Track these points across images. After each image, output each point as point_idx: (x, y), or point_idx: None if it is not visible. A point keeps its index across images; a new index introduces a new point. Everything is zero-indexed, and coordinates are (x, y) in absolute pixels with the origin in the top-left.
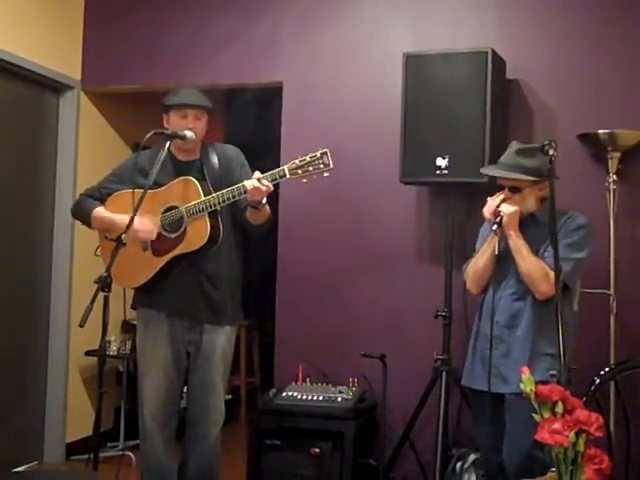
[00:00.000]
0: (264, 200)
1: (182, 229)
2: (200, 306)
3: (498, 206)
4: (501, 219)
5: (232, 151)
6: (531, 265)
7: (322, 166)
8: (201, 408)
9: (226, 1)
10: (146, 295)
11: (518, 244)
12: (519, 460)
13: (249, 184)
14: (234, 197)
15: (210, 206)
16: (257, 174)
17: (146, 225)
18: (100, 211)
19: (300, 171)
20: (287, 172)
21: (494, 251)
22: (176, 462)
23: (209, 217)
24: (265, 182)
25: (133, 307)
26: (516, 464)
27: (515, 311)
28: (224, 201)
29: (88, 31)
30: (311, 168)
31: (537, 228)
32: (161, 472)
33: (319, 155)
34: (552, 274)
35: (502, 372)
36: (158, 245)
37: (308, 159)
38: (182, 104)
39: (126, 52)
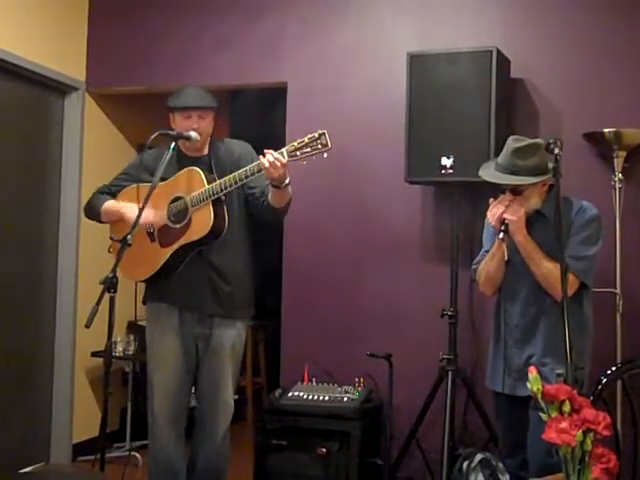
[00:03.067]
0: (287, 179)
1: (187, 219)
2: (208, 299)
3: (502, 213)
4: (507, 226)
5: (240, 146)
6: (546, 270)
7: (320, 146)
8: (209, 403)
9: (229, 2)
10: (156, 289)
11: (529, 249)
12: (544, 458)
13: (265, 160)
14: (238, 181)
15: (213, 193)
16: (269, 151)
17: (149, 215)
18: (110, 204)
19: (299, 152)
20: (286, 154)
21: (503, 257)
22: (185, 459)
23: (214, 206)
24: (277, 156)
25: (144, 302)
26: (540, 462)
27: (534, 314)
28: (226, 187)
29: (92, 32)
30: (309, 149)
31: (544, 224)
32: (170, 469)
33: (317, 136)
34: (569, 275)
35: (524, 375)
36: (165, 236)
37: (306, 140)
38: (185, 107)
39: (130, 53)
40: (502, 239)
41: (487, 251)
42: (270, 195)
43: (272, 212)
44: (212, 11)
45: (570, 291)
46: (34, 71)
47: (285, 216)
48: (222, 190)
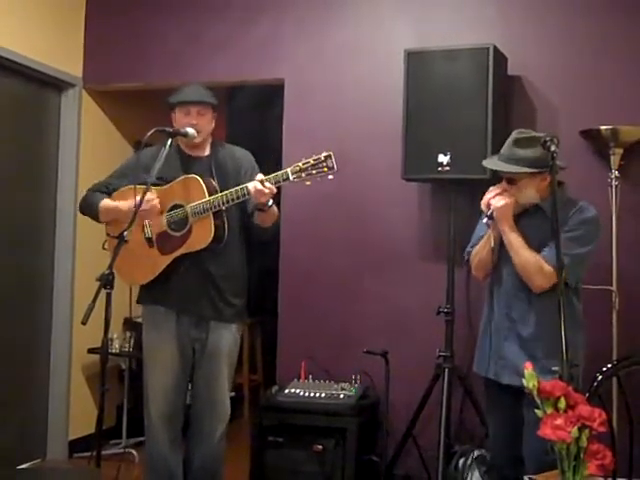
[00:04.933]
0: (270, 202)
1: (187, 228)
2: (205, 305)
3: (490, 199)
4: (492, 213)
5: (242, 153)
6: (524, 259)
7: (326, 169)
8: (206, 405)
9: (228, 1)
10: (152, 292)
11: (510, 238)
12: (542, 457)
13: (252, 186)
14: (238, 198)
15: (214, 206)
16: (260, 176)
17: (150, 200)
18: (107, 202)
19: (304, 174)
20: (290, 175)
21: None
22: (181, 459)
23: (214, 217)
24: (268, 185)
25: (139, 302)
26: (538, 460)
27: (522, 303)
28: (228, 201)
29: (90, 29)
30: (314, 171)
31: (543, 219)
32: (166, 469)
33: (323, 158)
34: (547, 268)
35: (516, 364)
36: (164, 243)
37: (312, 162)
38: (184, 101)
39: (128, 50)
40: (487, 224)
41: (482, 236)
42: (255, 216)
43: (259, 231)
44: (210, 9)
45: (546, 284)
46: (31, 67)
47: (271, 234)
48: (223, 204)
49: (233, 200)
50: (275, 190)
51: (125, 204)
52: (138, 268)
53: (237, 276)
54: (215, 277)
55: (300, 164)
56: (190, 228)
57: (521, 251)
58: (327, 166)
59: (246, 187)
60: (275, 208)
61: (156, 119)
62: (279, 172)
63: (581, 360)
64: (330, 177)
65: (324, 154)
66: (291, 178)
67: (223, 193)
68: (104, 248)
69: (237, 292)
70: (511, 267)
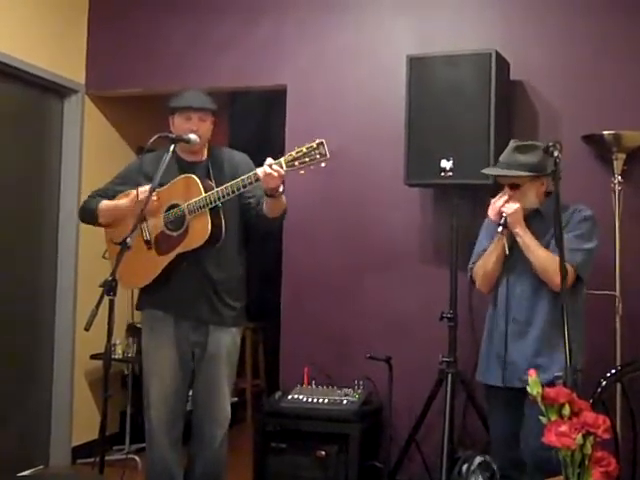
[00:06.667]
0: (281, 188)
1: (184, 227)
2: (203, 308)
3: (501, 207)
4: (505, 219)
5: (240, 157)
6: (543, 259)
7: (319, 156)
8: (206, 410)
9: (228, 4)
10: (151, 296)
11: (527, 240)
12: (544, 455)
13: (261, 171)
14: (236, 190)
15: (211, 202)
16: (269, 160)
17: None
18: (106, 203)
19: (297, 162)
20: (284, 164)
21: (503, 251)
22: (182, 465)
23: (211, 214)
24: (276, 167)
25: (138, 308)
26: (539, 460)
27: (530, 307)
28: (224, 196)
29: (92, 35)
30: (307, 159)
31: (542, 222)
32: (167, 474)
33: (315, 145)
34: (566, 265)
35: (520, 367)
36: (161, 244)
37: (304, 150)
38: (186, 107)
39: (130, 56)
40: (501, 232)
41: (485, 250)
42: (264, 204)
43: (266, 222)
44: (211, 13)
45: (568, 280)
46: (33, 74)
47: (278, 225)
48: (219, 199)
49: (230, 194)
50: (283, 172)
51: (124, 201)
52: (137, 271)
53: (236, 279)
54: (214, 280)
55: (293, 153)
56: (187, 227)
57: (539, 251)
58: (320, 153)
59: (255, 173)
60: (284, 198)
61: (159, 125)
62: (273, 161)
63: (582, 365)
64: (323, 165)
65: (317, 141)
66: (284, 167)
67: (219, 187)
68: (104, 257)
69: (236, 295)
70: (522, 274)
